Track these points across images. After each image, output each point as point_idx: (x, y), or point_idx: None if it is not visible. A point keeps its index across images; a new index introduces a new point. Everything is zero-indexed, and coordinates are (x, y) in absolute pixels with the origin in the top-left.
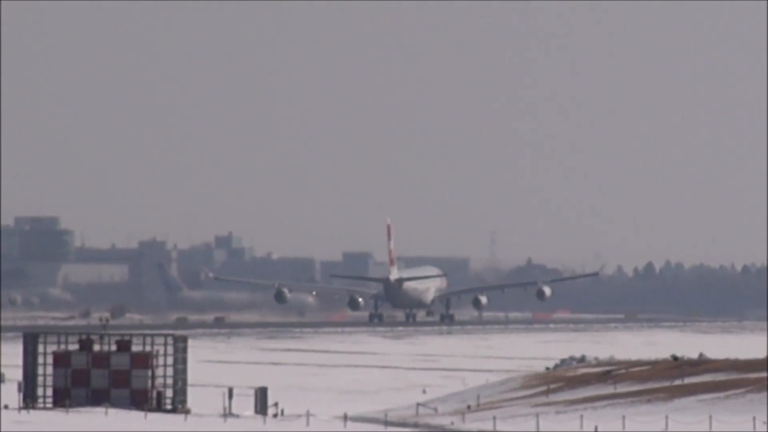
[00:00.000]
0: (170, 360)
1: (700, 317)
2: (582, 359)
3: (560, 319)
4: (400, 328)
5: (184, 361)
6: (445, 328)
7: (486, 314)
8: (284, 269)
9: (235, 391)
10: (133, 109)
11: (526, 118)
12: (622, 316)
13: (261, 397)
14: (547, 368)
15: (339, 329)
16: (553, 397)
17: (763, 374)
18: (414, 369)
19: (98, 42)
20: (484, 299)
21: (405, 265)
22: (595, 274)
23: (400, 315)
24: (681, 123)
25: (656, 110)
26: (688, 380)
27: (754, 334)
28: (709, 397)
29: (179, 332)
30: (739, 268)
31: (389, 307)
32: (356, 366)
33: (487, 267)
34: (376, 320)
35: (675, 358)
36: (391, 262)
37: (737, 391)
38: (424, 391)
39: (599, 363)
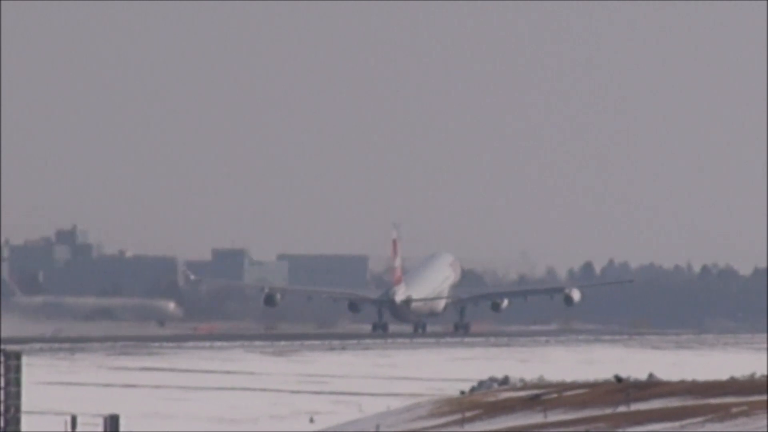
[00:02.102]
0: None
1: (650, 329)
2: (505, 381)
3: (478, 332)
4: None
5: (18, 383)
6: (336, 342)
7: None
8: (140, 270)
9: (79, 420)
10: None
11: (444, 105)
12: (553, 327)
13: (111, 426)
14: (462, 392)
15: (207, 344)
16: (468, 427)
17: (726, 400)
18: (299, 392)
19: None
20: (505, 303)
21: (288, 263)
22: (630, 281)
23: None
24: (627, 108)
25: (594, 97)
26: (634, 407)
27: (715, 349)
28: (660, 428)
29: (10, 347)
30: (697, 268)
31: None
32: (229, 389)
33: (389, 267)
34: (380, 330)
35: (619, 379)
36: (397, 281)
37: (694, 420)
38: (311, 420)
39: (526, 385)
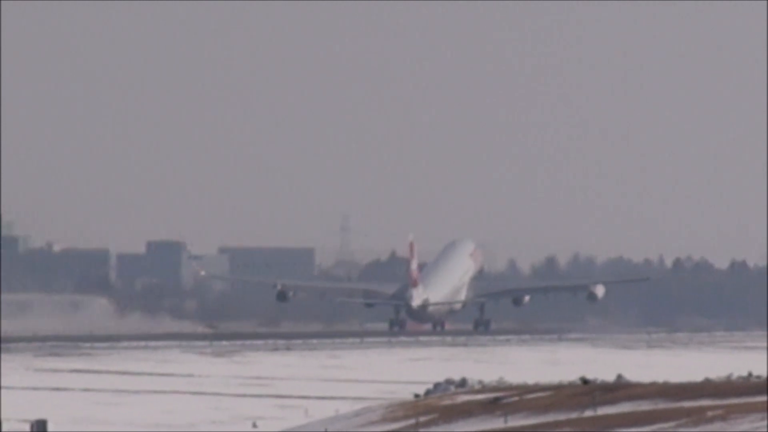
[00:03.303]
0: None
1: (618, 327)
2: (462, 383)
3: (434, 331)
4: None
5: None
6: (281, 342)
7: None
8: (70, 263)
9: (4, 426)
10: None
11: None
12: (514, 325)
13: (39, 431)
14: (417, 395)
15: (142, 344)
16: None
17: (700, 403)
18: (241, 396)
19: None
20: (527, 298)
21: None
22: (646, 278)
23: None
24: (592, 99)
25: (559, 88)
26: (602, 410)
27: (689, 349)
28: None
29: None
30: (669, 262)
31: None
32: (165, 392)
33: (339, 260)
34: (396, 328)
35: (585, 381)
36: (414, 284)
37: (666, 424)
38: (254, 425)
39: (485, 388)
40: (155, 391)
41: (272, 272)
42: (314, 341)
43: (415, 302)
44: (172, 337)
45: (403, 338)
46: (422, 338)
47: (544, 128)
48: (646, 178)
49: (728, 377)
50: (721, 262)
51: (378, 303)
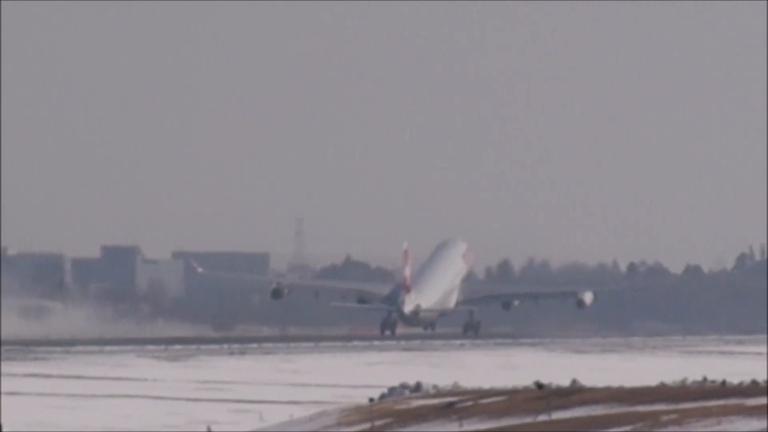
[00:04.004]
0: None
1: (573, 331)
2: (417, 387)
3: (388, 335)
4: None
5: None
6: (236, 347)
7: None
8: (25, 268)
9: None
10: None
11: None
12: (469, 330)
13: None
14: (371, 399)
15: (96, 348)
16: None
17: (655, 407)
18: (196, 400)
19: None
20: (516, 302)
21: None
22: (646, 286)
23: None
24: (546, 101)
25: (512, 91)
26: (556, 415)
27: (644, 354)
28: None
29: None
30: (623, 266)
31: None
32: (120, 396)
33: (293, 265)
34: (388, 332)
35: (540, 385)
36: (407, 290)
37: (621, 429)
38: (209, 430)
39: (440, 392)
40: (110, 396)
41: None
42: (269, 345)
43: (407, 308)
44: (127, 342)
45: (357, 342)
46: (377, 342)
47: (500, 133)
48: (599, 183)
49: (683, 382)
50: (676, 267)
51: (371, 308)
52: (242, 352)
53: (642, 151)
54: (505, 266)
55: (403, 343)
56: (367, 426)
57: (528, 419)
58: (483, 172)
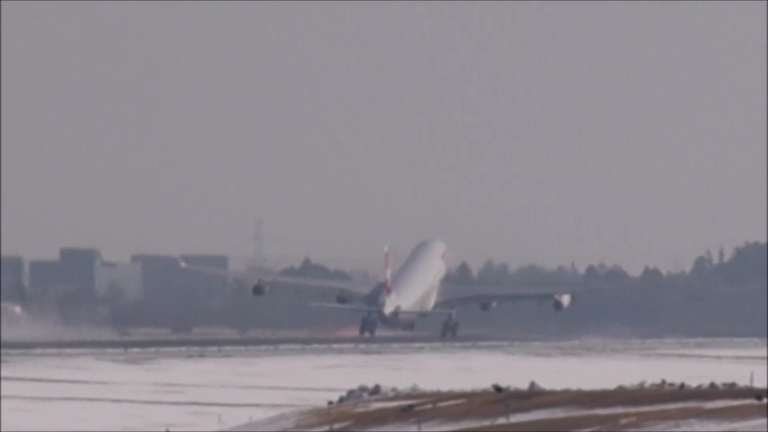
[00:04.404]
0: None
1: (531, 334)
2: (376, 390)
3: (347, 338)
4: (337, 345)
5: None
6: (195, 349)
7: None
8: None
9: None
10: None
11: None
12: (426, 333)
13: None
14: (330, 402)
15: (55, 350)
16: None
17: (614, 410)
18: (155, 403)
19: None
20: (494, 303)
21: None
22: (628, 286)
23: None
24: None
25: (478, 92)
26: (515, 418)
27: (602, 356)
28: None
29: None
30: (582, 269)
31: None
32: (78, 399)
33: (251, 267)
34: (367, 334)
35: (498, 388)
36: (388, 292)
37: None
38: None
39: (398, 395)
40: (69, 398)
41: (185, 280)
42: (228, 348)
43: (387, 309)
44: (86, 345)
45: (316, 345)
46: (335, 345)
47: (451, 133)
48: (558, 186)
49: (641, 385)
50: (635, 270)
51: (351, 309)
52: (201, 355)
53: (601, 155)
54: (463, 269)
55: (362, 346)
56: (326, 429)
57: (487, 422)
58: (440, 176)
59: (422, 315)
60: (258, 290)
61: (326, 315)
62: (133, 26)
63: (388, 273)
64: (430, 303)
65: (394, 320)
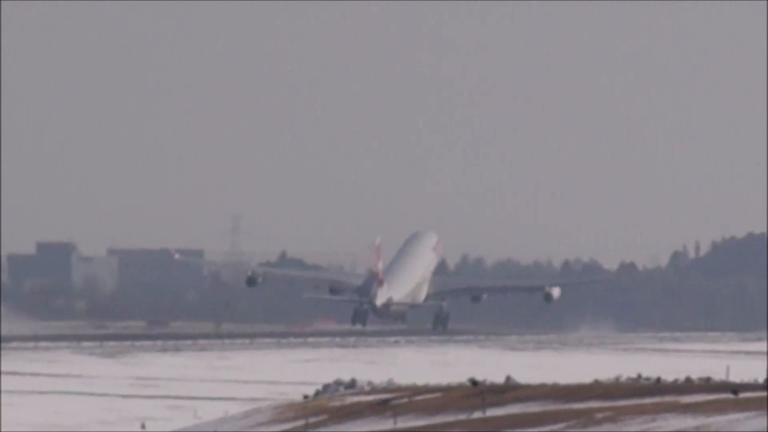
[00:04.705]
0: None
1: (508, 329)
2: (352, 384)
3: (322, 331)
4: (313, 339)
5: None
6: (171, 343)
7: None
8: None
9: None
10: None
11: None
12: (404, 326)
13: None
14: (306, 396)
15: (31, 344)
16: None
17: (589, 404)
18: (130, 396)
19: None
20: (485, 295)
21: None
22: (609, 279)
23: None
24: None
25: (458, 87)
26: (491, 412)
27: (579, 350)
28: None
29: None
30: (558, 264)
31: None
32: (55, 393)
33: (228, 261)
34: (359, 325)
35: (474, 382)
36: (380, 284)
37: (555, 426)
38: (143, 426)
39: (374, 389)
40: (45, 392)
41: (161, 274)
42: (204, 341)
43: (379, 301)
44: (62, 338)
45: (292, 339)
46: (311, 339)
47: (425, 129)
48: (534, 180)
49: (617, 379)
50: (611, 263)
51: (343, 300)
52: (177, 349)
53: (578, 150)
54: (440, 263)
55: (337, 339)
56: (301, 423)
57: (463, 416)
58: (417, 171)
59: (414, 306)
60: (251, 281)
61: (306, 308)
62: (118, 25)
63: (380, 265)
64: (422, 295)
65: (386, 312)
